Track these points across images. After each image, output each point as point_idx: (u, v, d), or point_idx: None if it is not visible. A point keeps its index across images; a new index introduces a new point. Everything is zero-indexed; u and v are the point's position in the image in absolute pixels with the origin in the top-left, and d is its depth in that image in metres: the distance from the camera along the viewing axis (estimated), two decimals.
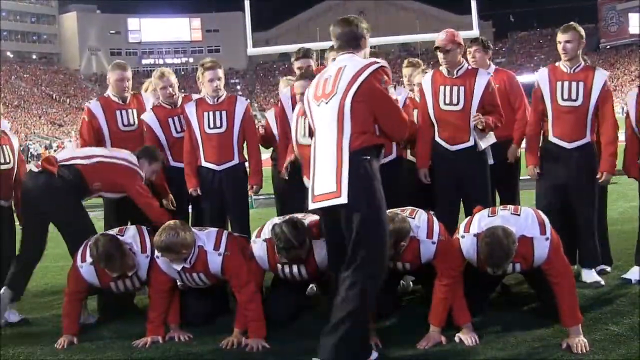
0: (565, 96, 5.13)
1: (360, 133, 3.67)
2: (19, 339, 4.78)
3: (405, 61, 6.13)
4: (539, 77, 5.32)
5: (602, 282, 5.11)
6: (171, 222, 4.48)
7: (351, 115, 3.67)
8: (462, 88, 5.11)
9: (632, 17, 74.32)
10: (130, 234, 4.75)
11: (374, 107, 3.71)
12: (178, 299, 4.72)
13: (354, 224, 3.64)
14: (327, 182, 3.69)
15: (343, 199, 3.62)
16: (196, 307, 4.83)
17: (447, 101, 5.09)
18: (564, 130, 5.16)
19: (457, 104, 5.11)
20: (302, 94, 4.55)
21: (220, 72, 5.50)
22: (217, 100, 5.51)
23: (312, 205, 3.82)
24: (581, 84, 5.11)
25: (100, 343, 4.61)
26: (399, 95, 5.31)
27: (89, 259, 4.61)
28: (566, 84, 5.15)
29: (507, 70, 6.14)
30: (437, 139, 5.21)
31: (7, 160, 5.05)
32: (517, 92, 5.79)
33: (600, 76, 5.13)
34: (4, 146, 5.04)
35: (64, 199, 4.91)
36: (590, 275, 5.18)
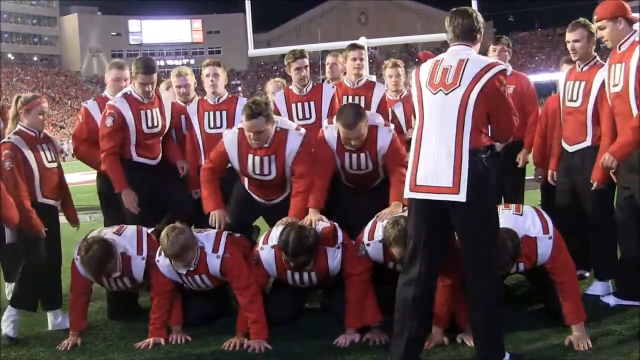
0: (569, 96, 4.91)
1: (479, 131, 3.60)
2: (21, 341, 4.79)
3: (390, 62, 6.17)
4: (559, 77, 5.18)
5: (610, 302, 4.69)
6: (170, 227, 4.46)
7: (473, 111, 3.58)
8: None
9: (633, 16, 74.28)
10: (127, 235, 4.77)
11: (492, 107, 3.63)
12: (180, 300, 4.72)
13: (473, 224, 3.60)
14: (440, 175, 3.56)
15: (461, 197, 3.51)
16: (197, 308, 4.83)
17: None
18: (567, 133, 4.96)
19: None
20: (259, 132, 4.67)
21: (218, 70, 5.53)
22: (218, 100, 5.53)
23: (412, 194, 3.68)
24: (583, 84, 4.81)
25: (103, 345, 4.62)
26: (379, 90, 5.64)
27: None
28: (571, 84, 4.91)
29: (521, 73, 6.08)
30: None
31: (54, 159, 5.09)
32: (531, 97, 5.71)
33: (601, 75, 4.73)
34: (48, 144, 5.07)
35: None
36: (602, 288, 4.87)
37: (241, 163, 4.88)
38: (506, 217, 4.21)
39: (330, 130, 4.88)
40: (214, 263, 4.53)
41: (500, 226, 4.03)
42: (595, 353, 3.82)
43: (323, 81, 6.12)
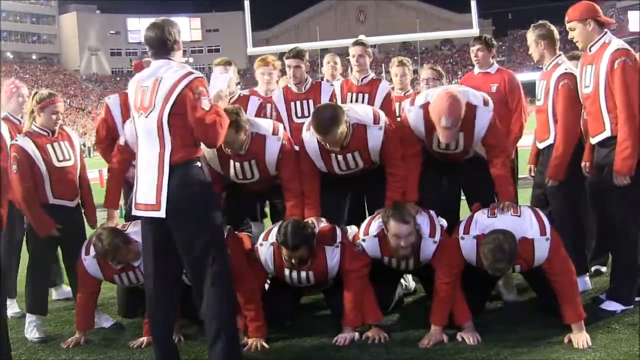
0: (537, 96, 4.97)
1: (180, 147, 3.70)
2: (20, 340, 4.80)
3: (396, 60, 6.13)
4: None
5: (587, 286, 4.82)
6: None
7: (170, 130, 3.68)
8: (461, 134, 4.55)
9: (632, 14, 74.25)
10: (133, 229, 4.74)
11: (189, 119, 3.68)
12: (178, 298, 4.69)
13: (182, 238, 3.73)
14: (148, 194, 3.73)
15: (161, 214, 3.68)
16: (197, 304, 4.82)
17: (443, 147, 4.67)
18: (537, 131, 5.02)
19: (456, 148, 4.70)
20: (227, 142, 4.43)
21: (230, 69, 5.40)
22: (229, 101, 5.52)
23: (135, 212, 3.85)
24: (544, 83, 4.90)
25: (102, 343, 4.63)
26: (383, 89, 5.44)
27: (92, 252, 4.64)
28: (538, 84, 5.00)
29: (508, 70, 6.04)
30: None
31: (67, 157, 5.01)
32: (515, 93, 5.57)
33: (557, 73, 4.79)
34: (62, 142, 5.00)
35: None
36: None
37: (224, 169, 4.80)
38: (503, 219, 4.21)
39: (310, 135, 4.65)
40: None
41: (498, 230, 4.04)
42: (595, 351, 3.82)
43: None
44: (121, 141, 4.96)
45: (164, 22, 3.85)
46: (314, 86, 5.55)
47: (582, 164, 4.90)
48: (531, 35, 4.99)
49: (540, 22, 5.06)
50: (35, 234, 4.90)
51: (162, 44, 3.81)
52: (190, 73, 3.72)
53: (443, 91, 4.41)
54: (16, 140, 4.89)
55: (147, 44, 3.86)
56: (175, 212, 3.67)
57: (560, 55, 4.97)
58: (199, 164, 3.78)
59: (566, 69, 4.82)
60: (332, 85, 5.63)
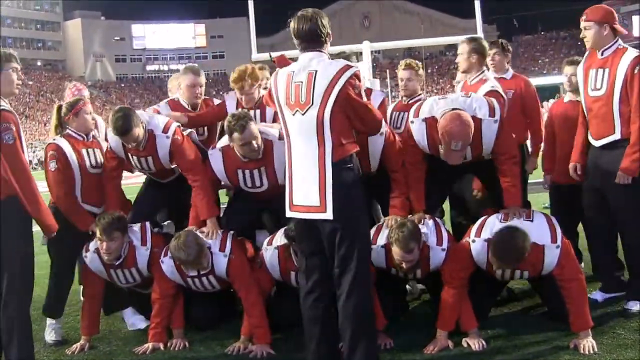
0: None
1: (339, 145, 3.57)
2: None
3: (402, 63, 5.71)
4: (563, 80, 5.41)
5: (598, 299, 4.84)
6: (184, 233, 4.48)
7: (331, 127, 3.55)
8: (468, 147, 4.51)
9: (636, 19, 74.20)
10: (133, 229, 4.76)
11: (351, 114, 3.61)
12: (182, 304, 4.72)
13: (340, 239, 3.58)
14: (309, 195, 3.60)
15: (328, 215, 3.54)
16: (202, 311, 4.83)
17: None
18: None
19: (464, 159, 4.58)
20: (254, 139, 4.52)
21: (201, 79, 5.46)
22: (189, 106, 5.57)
23: (291, 214, 3.73)
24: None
25: (107, 349, 4.64)
26: (379, 97, 5.25)
27: (92, 247, 4.65)
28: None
29: (523, 76, 5.89)
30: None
31: (100, 164, 5.01)
32: (533, 102, 5.52)
33: (482, 91, 4.83)
34: (95, 150, 5.01)
35: None
36: None
37: (232, 179, 4.81)
38: (516, 223, 4.19)
39: None
40: (220, 262, 4.53)
41: (514, 224, 4.04)
42: (600, 356, 3.82)
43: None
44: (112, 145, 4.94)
45: (316, 14, 3.66)
46: (364, 93, 5.29)
47: (572, 165, 4.95)
48: (465, 47, 5.07)
49: (475, 36, 5.21)
50: (58, 238, 4.90)
51: (314, 36, 3.65)
52: (348, 67, 3.58)
53: (452, 113, 4.29)
54: (53, 140, 4.91)
55: (297, 36, 3.68)
56: (334, 212, 3.55)
57: (484, 71, 5.08)
58: (353, 162, 3.66)
59: (492, 87, 4.90)
60: (383, 92, 5.37)
